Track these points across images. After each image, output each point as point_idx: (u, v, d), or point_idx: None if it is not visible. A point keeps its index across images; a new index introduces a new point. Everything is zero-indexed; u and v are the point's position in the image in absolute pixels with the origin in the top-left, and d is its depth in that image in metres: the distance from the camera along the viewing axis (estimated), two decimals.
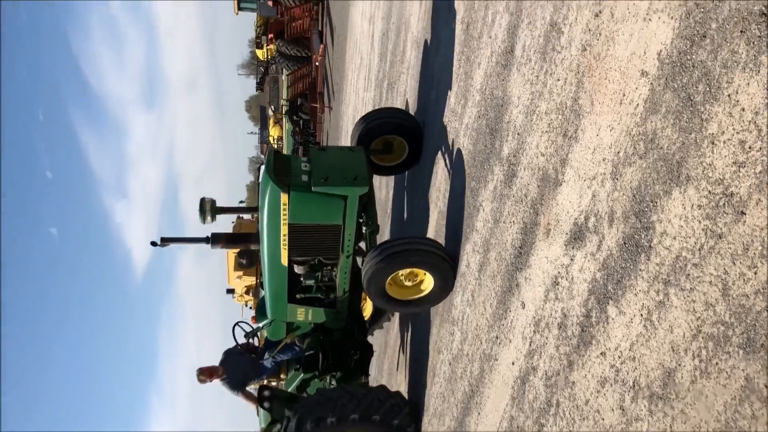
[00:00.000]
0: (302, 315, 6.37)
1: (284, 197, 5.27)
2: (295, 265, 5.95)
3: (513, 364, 3.75)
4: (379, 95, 11.06)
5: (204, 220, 6.11)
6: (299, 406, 5.56)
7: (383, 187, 10.02)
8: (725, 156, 2.07)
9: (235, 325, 7.20)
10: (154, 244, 6.15)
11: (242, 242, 6.49)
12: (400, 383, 7.36)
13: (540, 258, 3.47)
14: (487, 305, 4.31)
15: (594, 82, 2.98)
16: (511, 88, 4.11)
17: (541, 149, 3.56)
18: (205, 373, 7.25)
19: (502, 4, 4.43)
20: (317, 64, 26.29)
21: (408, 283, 5.35)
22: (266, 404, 6.09)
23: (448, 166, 5.69)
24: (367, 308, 8.23)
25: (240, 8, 30.58)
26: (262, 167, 5.57)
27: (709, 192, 2.13)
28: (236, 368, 7.29)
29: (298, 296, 6.26)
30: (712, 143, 2.14)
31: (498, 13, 4.53)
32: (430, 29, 6.95)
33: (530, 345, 3.52)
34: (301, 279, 6.11)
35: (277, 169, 5.46)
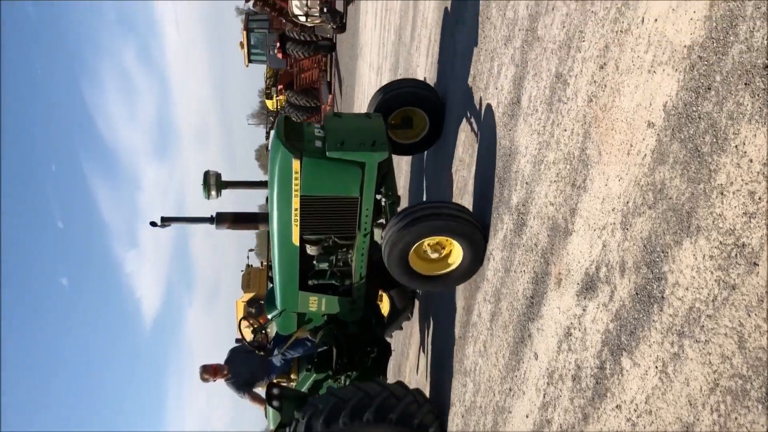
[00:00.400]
0: (314, 304, 5.79)
1: (296, 164, 4.75)
2: (308, 246, 5.38)
3: (527, 416, 3.68)
4: None
5: (208, 195, 5.57)
6: (308, 407, 5.08)
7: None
8: (735, 207, 2.07)
9: (241, 320, 6.58)
10: (153, 224, 5.66)
11: (249, 222, 5.94)
12: None
13: (552, 308, 3.45)
14: (499, 356, 4.25)
15: (601, 132, 3.01)
16: (519, 138, 4.15)
17: (550, 198, 3.57)
18: (209, 372, 6.59)
19: (508, 55, 4.51)
20: (326, 114, 26.61)
21: (434, 256, 4.85)
22: (275, 403, 5.51)
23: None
24: (384, 306, 7.63)
25: (250, 60, 31.16)
26: (272, 132, 5.09)
27: (721, 243, 2.12)
28: (243, 367, 6.66)
29: (310, 283, 5.69)
30: (722, 194, 2.14)
31: (504, 65, 4.60)
32: (437, 80, 7.05)
33: (544, 397, 3.46)
34: (314, 263, 5.56)
35: (289, 135, 4.98)
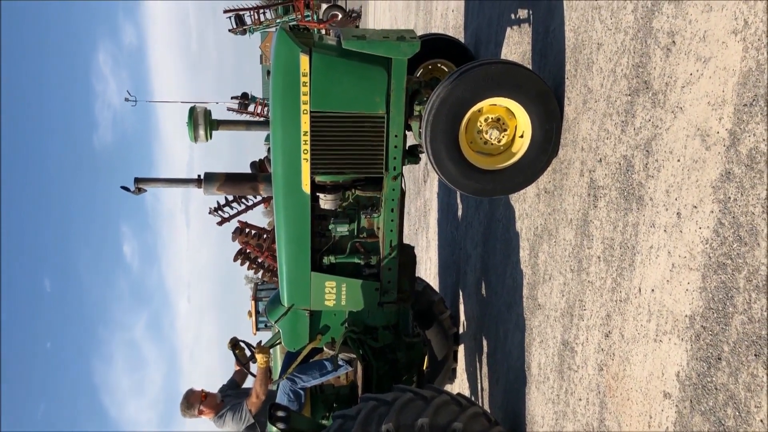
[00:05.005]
0: (332, 294, 4.44)
1: (304, 61, 3.70)
2: (322, 198, 4.13)
3: None
4: None
5: (195, 136, 4.39)
6: (335, 419, 3.78)
7: None
8: None
9: (234, 345, 5.02)
10: (125, 189, 4.37)
11: (246, 182, 4.62)
12: None
13: None
14: None
15: (617, 402, 2.91)
16: (534, 407, 4.01)
17: None
18: (195, 398, 4.94)
19: (512, 321, 4.55)
20: None
21: (490, 136, 3.73)
22: (281, 425, 4.05)
23: None
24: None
25: (258, 328, 31.57)
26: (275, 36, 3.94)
27: None
28: (238, 399, 5.08)
29: (325, 261, 4.40)
30: None
31: (509, 330, 4.62)
32: None
33: None
34: (330, 228, 4.31)
35: (297, 34, 4.02)
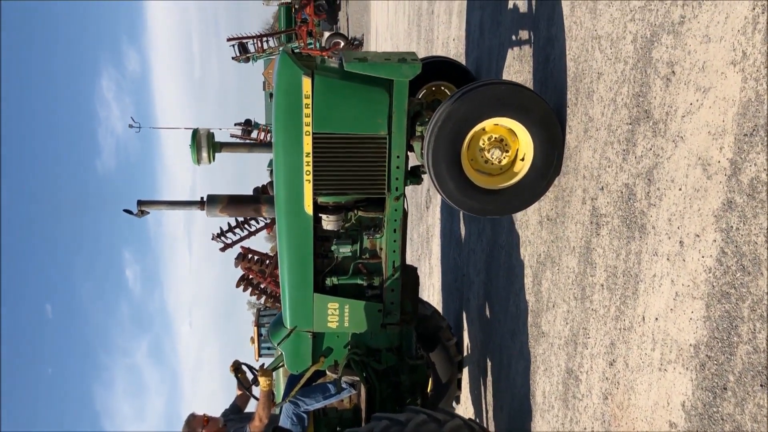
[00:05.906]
0: (335, 316, 4.42)
1: (306, 84, 3.74)
2: (324, 219, 4.14)
3: None
4: None
5: (198, 158, 4.37)
6: None
7: None
8: None
9: (237, 369, 4.95)
10: (128, 211, 4.34)
11: (249, 204, 4.61)
12: None
13: None
14: None
15: None
16: None
17: None
18: (198, 422, 4.75)
19: (516, 348, 4.53)
20: None
21: (491, 156, 3.75)
22: None
23: None
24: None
25: (260, 354, 31.38)
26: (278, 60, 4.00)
27: None
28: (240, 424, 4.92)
29: (328, 282, 4.41)
30: None
31: (513, 358, 4.60)
32: None
33: None
34: (333, 249, 4.31)
35: (299, 59, 4.05)
